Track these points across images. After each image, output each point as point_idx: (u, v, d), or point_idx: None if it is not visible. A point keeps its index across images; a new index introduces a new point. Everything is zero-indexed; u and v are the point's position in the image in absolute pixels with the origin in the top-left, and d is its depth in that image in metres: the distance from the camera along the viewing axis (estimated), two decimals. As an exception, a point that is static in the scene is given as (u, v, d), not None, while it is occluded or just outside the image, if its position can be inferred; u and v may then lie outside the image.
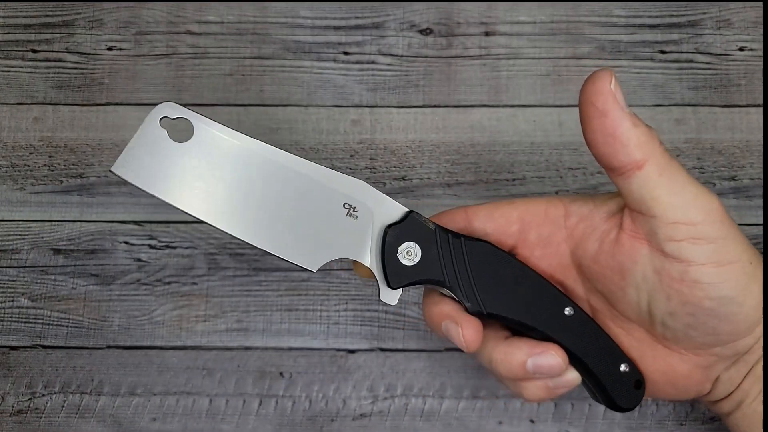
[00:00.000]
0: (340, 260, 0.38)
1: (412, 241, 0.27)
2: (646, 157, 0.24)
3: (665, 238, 0.24)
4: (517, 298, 0.27)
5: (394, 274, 0.27)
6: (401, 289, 0.27)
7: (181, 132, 0.25)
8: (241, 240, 0.26)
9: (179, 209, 0.26)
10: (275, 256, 0.27)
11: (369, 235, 0.27)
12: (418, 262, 0.27)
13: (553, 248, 0.28)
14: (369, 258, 0.27)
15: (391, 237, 0.27)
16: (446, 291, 0.27)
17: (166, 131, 0.25)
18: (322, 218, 0.27)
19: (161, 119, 0.25)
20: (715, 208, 0.24)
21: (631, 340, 0.28)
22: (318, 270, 0.27)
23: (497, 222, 0.28)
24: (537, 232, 0.28)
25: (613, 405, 0.28)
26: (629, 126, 0.24)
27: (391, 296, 0.27)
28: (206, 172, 0.26)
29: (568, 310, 0.28)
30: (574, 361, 0.28)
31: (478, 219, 0.29)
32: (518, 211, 0.28)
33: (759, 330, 0.25)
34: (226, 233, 0.26)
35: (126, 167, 0.25)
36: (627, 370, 0.28)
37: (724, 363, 0.26)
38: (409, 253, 0.27)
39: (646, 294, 0.26)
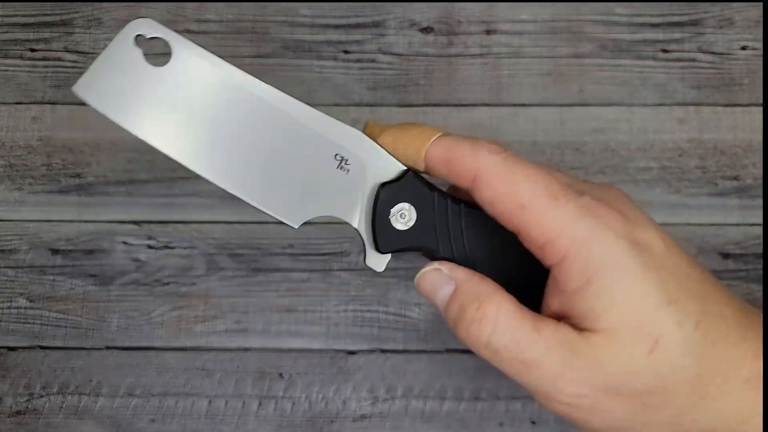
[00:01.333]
0: (339, 256, 0.38)
1: (408, 202, 0.24)
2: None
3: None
4: (508, 267, 0.24)
5: (385, 237, 0.24)
6: (390, 255, 0.25)
7: (157, 55, 0.23)
8: (214, 184, 0.24)
9: (147, 143, 0.23)
10: (252, 207, 0.24)
11: (360, 192, 0.24)
12: (411, 227, 0.24)
13: None
14: (357, 218, 0.24)
15: (385, 196, 0.24)
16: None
17: (140, 51, 0.22)
18: (310, 169, 0.24)
19: (136, 37, 0.22)
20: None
21: None
22: (299, 227, 0.24)
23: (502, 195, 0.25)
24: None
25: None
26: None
27: (378, 262, 0.25)
28: (183, 104, 0.23)
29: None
30: None
31: (482, 182, 0.24)
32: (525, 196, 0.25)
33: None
34: (201, 176, 0.23)
35: (90, 88, 0.22)
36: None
37: None
38: (403, 216, 0.24)
39: None
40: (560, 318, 0.22)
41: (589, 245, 0.21)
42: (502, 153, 0.24)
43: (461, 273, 0.24)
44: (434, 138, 0.24)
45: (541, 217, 0.22)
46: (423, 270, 0.24)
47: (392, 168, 0.24)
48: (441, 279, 0.24)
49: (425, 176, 0.25)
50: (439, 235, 0.24)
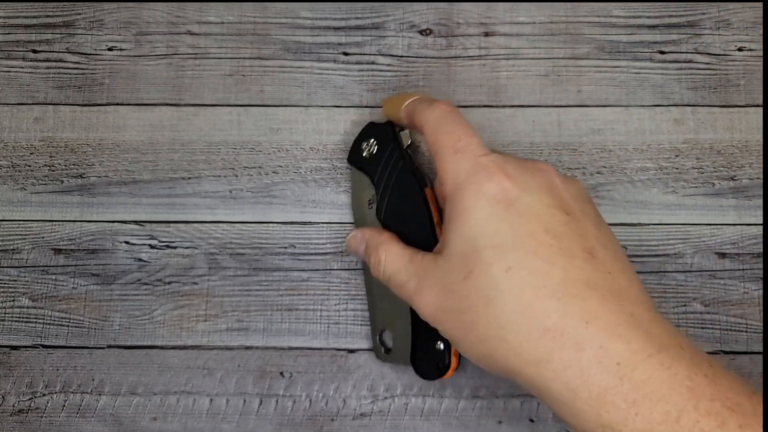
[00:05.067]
0: (340, 256, 0.38)
1: (376, 140, 0.35)
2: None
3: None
4: (405, 227, 0.33)
5: (353, 154, 0.36)
6: (354, 168, 0.37)
7: None
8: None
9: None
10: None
11: None
12: (370, 157, 0.35)
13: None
14: None
15: (368, 130, 0.36)
16: (370, 191, 0.35)
17: None
18: None
19: None
20: None
21: None
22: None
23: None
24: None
25: (415, 367, 0.34)
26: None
27: (352, 169, 0.37)
28: None
29: None
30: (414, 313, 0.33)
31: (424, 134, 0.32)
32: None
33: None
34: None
35: None
36: (441, 349, 0.33)
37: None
38: (369, 147, 0.35)
39: None
40: None
41: (461, 192, 0.27)
42: (445, 110, 0.30)
43: (368, 232, 0.33)
44: (410, 99, 0.33)
45: (443, 165, 0.29)
46: (350, 234, 0.34)
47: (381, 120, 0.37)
48: (357, 239, 0.34)
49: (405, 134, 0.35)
50: (380, 171, 0.34)
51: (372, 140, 0.35)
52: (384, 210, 0.34)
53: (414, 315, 0.33)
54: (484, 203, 0.26)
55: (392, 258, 0.30)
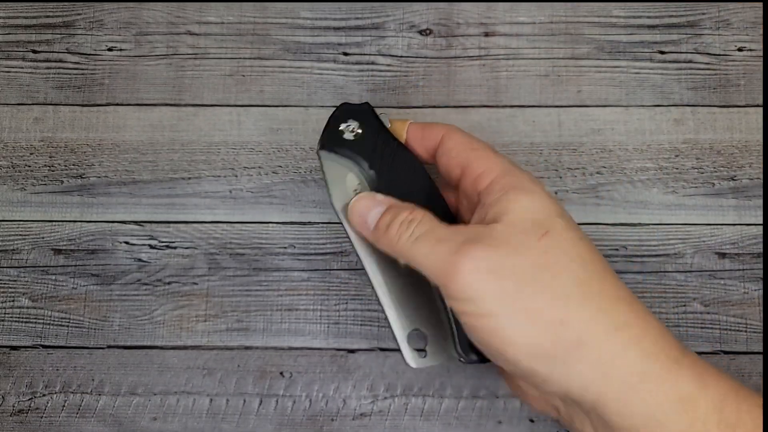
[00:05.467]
0: (340, 256, 0.38)
1: (358, 121, 0.32)
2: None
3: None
4: (416, 198, 0.30)
5: (331, 138, 0.32)
6: (331, 154, 0.32)
7: None
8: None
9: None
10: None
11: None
12: (354, 139, 0.31)
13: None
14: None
15: (342, 111, 0.32)
16: (354, 178, 0.31)
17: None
18: None
19: None
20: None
21: None
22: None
23: (452, 163, 0.31)
24: (469, 189, 0.31)
25: (464, 351, 0.29)
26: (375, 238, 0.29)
27: (324, 156, 0.32)
28: None
29: None
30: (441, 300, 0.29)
31: (444, 147, 0.31)
32: (466, 160, 0.31)
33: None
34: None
35: None
36: None
37: (557, 401, 0.27)
38: (351, 129, 0.32)
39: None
40: None
41: (512, 174, 0.28)
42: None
43: (390, 199, 0.30)
44: (411, 121, 0.33)
45: (485, 155, 0.29)
46: (357, 196, 0.30)
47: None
48: (374, 201, 0.29)
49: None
50: (373, 154, 0.31)
51: (352, 121, 0.32)
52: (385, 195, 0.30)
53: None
54: (537, 185, 0.28)
55: (427, 219, 0.27)
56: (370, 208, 0.29)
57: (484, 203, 0.28)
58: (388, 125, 0.32)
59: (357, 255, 0.31)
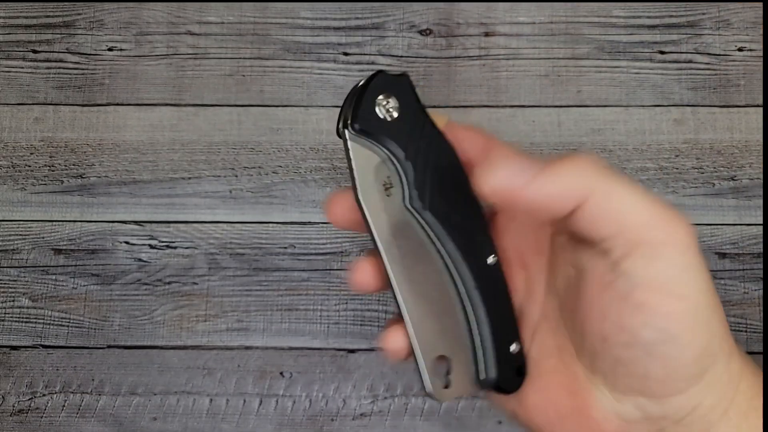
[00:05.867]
0: (340, 256, 0.38)
1: (397, 98, 0.24)
2: (584, 197, 0.21)
3: (621, 255, 0.21)
4: (455, 216, 0.25)
5: (364, 114, 0.24)
6: (360, 138, 0.24)
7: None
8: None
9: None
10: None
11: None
12: (390, 120, 0.24)
13: (537, 221, 0.26)
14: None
15: (380, 80, 0.24)
16: (385, 168, 0.25)
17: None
18: None
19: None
20: (684, 234, 0.21)
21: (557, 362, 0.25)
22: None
23: None
24: None
25: (485, 380, 0.25)
26: (543, 184, 0.21)
27: (352, 139, 0.24)
28: None
29: (491, 258, 0.25)
30: (471, 318, 0.25)
31: (492, 153, 0.26)
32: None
33: (696, 398, 0.22)
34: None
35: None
36: (516, 352, 0.25)
37: (647, 427, 0.23)
38: (388, 106, 0.24)
39: (585, 309, 0.23)
40: None
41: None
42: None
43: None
44: (449, 119, 0.26)
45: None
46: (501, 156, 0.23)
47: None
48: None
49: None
50: (410, 141, 0.24)
51: (389, 96, 0.25)
52: (427, 199, 0.25)
53: (485, 311, 0.25)
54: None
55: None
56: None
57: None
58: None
59: (382, 260, 0.25)
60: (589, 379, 0.23)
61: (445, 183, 0.25)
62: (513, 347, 0.25)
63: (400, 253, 0.25)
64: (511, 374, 0.25)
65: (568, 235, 0.24)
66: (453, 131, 0.26)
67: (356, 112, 0.24)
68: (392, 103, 0.24)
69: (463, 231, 0.25)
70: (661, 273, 0.21)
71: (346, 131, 0.24)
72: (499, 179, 0.22)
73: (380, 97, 0.24)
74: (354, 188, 0.24)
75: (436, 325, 0.25)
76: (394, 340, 0.24)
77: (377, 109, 0.24)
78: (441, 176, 0.25)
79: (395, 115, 0.24)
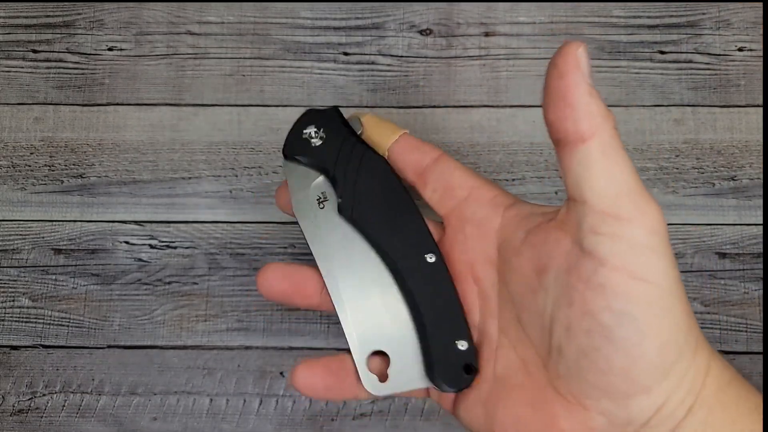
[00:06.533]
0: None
1: (323, 127, 0.29)
2: (592, 131, 0.21)
3: (588, 229, 0.22)
4: (388, 219, 0.27)
5: (293, 143, 0.29)
6: (293, 163, 0.29)
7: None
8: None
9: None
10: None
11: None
12: (318, 145, 0.29)
13: (483, 232, 0.26)
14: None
15: (307, 115, 0.29)
16: (319, 185, 0.29)
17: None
18: None
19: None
20: (653, 217, 0.21)
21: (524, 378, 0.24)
22: None
23: (453, 180, 0.27)
24: (476, 208, 0.27)
25: (433, 377, 0.26)
26: (583, 92, 0.21)
27: (286, 164, 0.29)
28: None
29: (430, 257, 0.27)
30: (415, 314, 0.26)
31: (440, 166, 0.27)
32: (474, 183, 0.27)
33: (661, 398, 0.21)
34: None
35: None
36: (464, 349, 0.26)
37: None
38: (315, 134, 0.29)
39: (551, 300, 0.23)
40: None
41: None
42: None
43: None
44: (403, 132, 0.29)
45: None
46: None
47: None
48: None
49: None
50: (337, 160, 0.28)
51: (316, 127, 0.29)
52: (353, 206, 0.28)
53: (427, 307, 0.26)
54: None
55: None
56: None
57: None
58: (359, 131, 0.29)
59: (315, 259, 0.28)
60: (555, 388, 0.23)
61: (374, 192, 0.28)
62: (460, 345, 0.26)
63: (337, 257, 0.28)
64: (456, 371, 0.26)
65: (527, 232, 0.24)
66: (403, 146, 0.28)
67: (286, 142, 0.29)
68: (319, 132, 0.29)
69: (396, 233, 0.27)
70: (624, 252, 0.21)
71: (283, 159, 0.30)
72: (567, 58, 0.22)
73: (307, 129, 0.29)
74: (291, 204, 0.29)
75: (375, 323, 0.27)
76: (304, 376, 0.26)
77: (305, 138, 0.29)
78: (369, 187, 0.28)
79: (322, 140, 0.29)
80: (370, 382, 0.27)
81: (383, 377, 0.27)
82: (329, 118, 0.29)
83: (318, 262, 0.28)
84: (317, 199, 0.29)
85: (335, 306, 0.27)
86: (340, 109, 0.30)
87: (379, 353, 0.27)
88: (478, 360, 0.26)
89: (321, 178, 0.29)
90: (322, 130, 0.29)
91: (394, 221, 0.27)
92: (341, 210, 0.28)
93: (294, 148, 0.29)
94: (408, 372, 0.26)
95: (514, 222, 0.26)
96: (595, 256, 0.21)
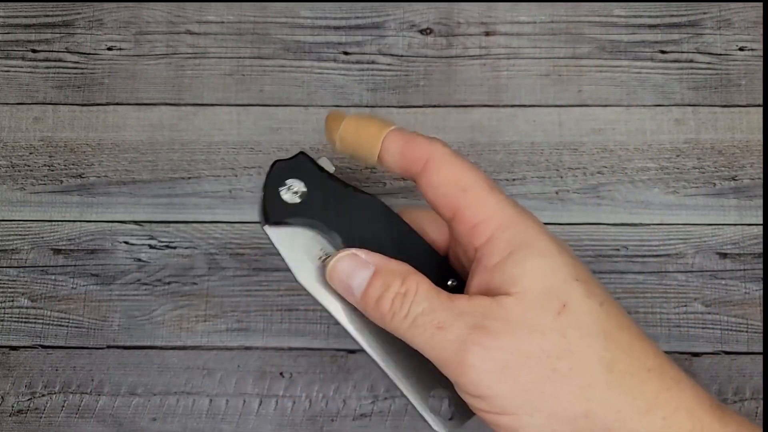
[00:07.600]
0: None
1: (298, 179, 0.26)
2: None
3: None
4: (399, 256, 0.25)
5: (274, 208, 0.26)
6: (280, 227, 0.26)
7: None
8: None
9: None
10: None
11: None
12: (301, 202, 0.26)
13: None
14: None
15: (277, 171, 0.26)
16: (315, 244, 0.27)
17: None
18: None
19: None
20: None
21: None
22: None
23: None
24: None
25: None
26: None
27: (271, 232, 0.26)
28: None
29: (452, 282, 0.26)
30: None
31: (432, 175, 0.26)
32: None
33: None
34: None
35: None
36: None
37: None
38: (293, 190, 0.26)
39: None
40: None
41: (514, 226, 0.24)
42: (449, 147, 0.26)
43: (377, 257, 0.25)
44: (392, 127, 0.26)
45: (479, 200, 0.24)
46: (337, 256, 0.25)
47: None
48: (358, 263, 0.25)
49: (325, 167, 0.27)
50: (326, 211, 0.26)
51: (291, 180, 0.26)
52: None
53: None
54: (546, 237, 0.24)
55: (427, 293, 0.23)
56: (355, 271, 0.24)
57: (486, 265, 0.24)
58: (332, 169, 0.27)
59: (345, 330, 0.27)
60: None
61: (378, 235, 0.26)
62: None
63: (358, 315, 0.26)
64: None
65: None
66: (393, 141, 0.26)
67: (265, 209, 0.26)
68: (297, 185, 0.26)
69: (412, 262, 0.25)
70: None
71: (265, 228, 0.26)
72: (336, 289, 0.26)
73: (283, 186, 0.26)
74: (291, 272, 0.27)
75: (416, 368, 0.26)
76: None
77: (285, 198, 0.26)
78: (371, 231, 0.26)
79: (303, 195, 0.26)
80: (444, 426, 0.26)
81: (450, 414, 0.26)
82: (302, 167, 0.27)
83: (346, 327, 0.26)
84: (320, 258, 0.27)
85: (377, 362, 0.27)
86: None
87: (433, 395, 0.27)
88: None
89: (312, 234, 0.27)
90: (298, 182, 0.26)
91: (407, 257, 0.25)
92: None
93: (277, 212, 0.26)
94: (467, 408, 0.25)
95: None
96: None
